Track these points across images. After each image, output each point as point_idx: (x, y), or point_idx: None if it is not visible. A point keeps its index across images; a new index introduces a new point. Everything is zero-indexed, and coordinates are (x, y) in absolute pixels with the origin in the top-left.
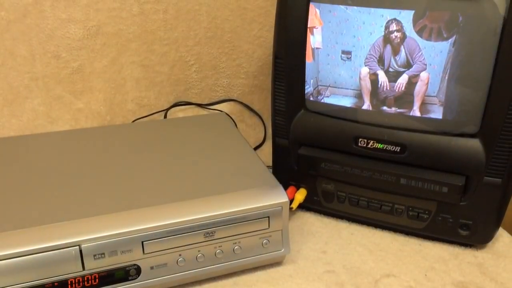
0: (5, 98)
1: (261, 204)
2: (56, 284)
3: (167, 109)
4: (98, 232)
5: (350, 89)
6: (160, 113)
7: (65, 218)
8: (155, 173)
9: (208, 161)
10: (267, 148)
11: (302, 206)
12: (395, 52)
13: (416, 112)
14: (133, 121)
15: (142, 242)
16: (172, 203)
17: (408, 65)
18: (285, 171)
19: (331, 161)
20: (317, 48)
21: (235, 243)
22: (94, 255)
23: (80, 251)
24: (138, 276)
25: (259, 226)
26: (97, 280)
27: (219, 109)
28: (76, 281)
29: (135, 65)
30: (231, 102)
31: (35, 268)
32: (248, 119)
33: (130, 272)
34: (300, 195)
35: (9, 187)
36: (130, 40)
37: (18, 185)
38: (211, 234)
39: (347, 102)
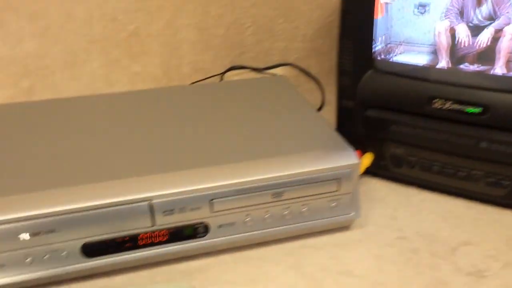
0: (65, 60)
1: (331, 166)
2: (127, 238)
3: (223, 73)
4: (169, 189)
5: (425, 45)
6: (216, 77)
7: (135, 174)
8: (222, 133)
9: (274, 122)
10: (325, 113)
11: (368, 172)
12: (479, 3)
13: (500, 70)
14: (190, 84)
15: (211, 200)
16: (241, 162)
17: (493, 17)
18: (350, 135)
19: (402, 123)
20: (389, 2)
21: (304, 204)
22: (164, 211)
23: (151, 206)
24: (206, 234)
25: (328, 188)
26: (166, 236)
27: (275, 73)
28: (146, 236)
29: (190, 28)
30: (288, 67)
31: (108, 222)
32: (305, 84)
33: (198, 230)
34: (367, 160)
35: (79, 144)
36: (186, 1)
37: (87, 142)
38: (279, 195)
39: (421, 60)
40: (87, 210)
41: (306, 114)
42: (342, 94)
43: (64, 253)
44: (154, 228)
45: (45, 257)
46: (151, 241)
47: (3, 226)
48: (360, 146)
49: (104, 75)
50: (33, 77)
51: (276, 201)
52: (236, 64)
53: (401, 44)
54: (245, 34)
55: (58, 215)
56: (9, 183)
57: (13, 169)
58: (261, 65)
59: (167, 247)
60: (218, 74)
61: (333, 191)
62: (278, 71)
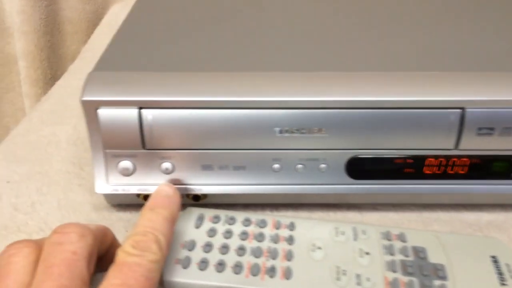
0: None
1: None
2: (408, 161)
3: None
4: (493, 95)
5: None
6: None
7: (443, 67)
8: None
9: None
10: None
11: None
12: None
13: None
14: None
15: None
16: None
17: None
18: None
19: None
20: None
21: None
22: (479, 129)
23: (462, 117)
24: None
25: None
26: (465, 168)
27: None
28: (437, 162)
29: None
30: None
31: (391, 131)
32: None
33: None
34: None
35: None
36: None
37: (353, 25)
38: None
39: None
40: (369, 108)
41: None
42: None
43: (323, 165)
44: (453, 153)
45: (297, 167)
46: (441, 171)
47: (255, 112)
48: None
49: None
50: None
51: None
52: None
53: None
54: None
55: (329, 107)
56: (262, 58)
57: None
58: None
59: (462, 184)
60: None
61: None
62: None
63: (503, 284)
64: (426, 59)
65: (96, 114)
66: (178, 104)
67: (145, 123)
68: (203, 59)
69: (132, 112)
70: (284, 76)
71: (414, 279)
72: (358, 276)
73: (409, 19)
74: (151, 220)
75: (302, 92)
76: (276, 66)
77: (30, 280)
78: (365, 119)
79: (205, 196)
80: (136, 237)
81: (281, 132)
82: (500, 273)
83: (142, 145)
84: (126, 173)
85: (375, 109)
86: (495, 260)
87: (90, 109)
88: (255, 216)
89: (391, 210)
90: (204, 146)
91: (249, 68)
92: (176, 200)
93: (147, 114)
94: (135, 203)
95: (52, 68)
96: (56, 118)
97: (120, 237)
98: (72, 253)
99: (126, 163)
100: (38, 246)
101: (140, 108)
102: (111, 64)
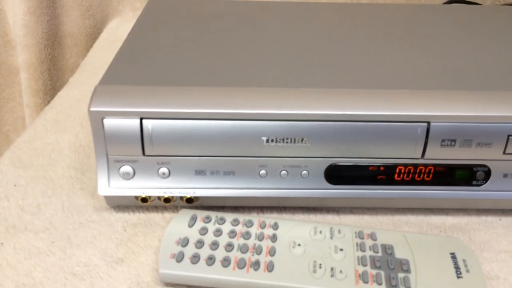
0: None
1: None
2: (382, 168)
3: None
4: (455, 110)
5: None
6: None
7: (412, 86)
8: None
9: None
10: None
11: None
12: None
13: None
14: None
15: (509, 136)
16: None
17: None
18: None
19: None
20: None
21: None
22: (443, 140)
23: (427, 130)
24: (484, 183)
25: None
26: (430, 175)
27: None
28: (406, 170)
29: None
30: None
31: (368, 140)
32: None
33: (476, 175)
34: None
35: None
36: None
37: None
38: None
39: None
40: (346, 121)
41: None
42: None
43: (305, 172)
44: (420, 161)
45: (281, 173)
46: (409, 177)
47: (245, 123)
48: None
49: None
50: None
51: None
52: None
53: None
54: None
55: (310, 120)
56: (257, 75)
57: (258, 62)
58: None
59: (428, 190)
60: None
61: None
62: None
63: (459, 277)
64: (398, 78)
65: (102, 123)
66: (175, 115)
67: (145, 132)
68: (200, 74)
69: (134, 122)
70: (271, 92)
71: (381, 271)
72: (332, 269)
73: (386, 42)
74: None
75: (287, 106)
76: (265, 82)
77: None
78: (343, 131)
79: (197, 198)
80: None
81: (267, 141)
82: (457, 267)
83: (142, 151)
84: (127, 177)
85: (352, 122)
86: (453, 256)
87: (97, 118)
88: (243, 217)
89: (366, 214)
90: (198, 153)
91: (240, 84)
92: None
93: (148, 124)
94: (133, 204)
95: (52, 79)
96: (59, 127)
97: (118, 236)
98: None
99: (127, 168)
100: None
101: (141, 118)
102: (116, 78)
